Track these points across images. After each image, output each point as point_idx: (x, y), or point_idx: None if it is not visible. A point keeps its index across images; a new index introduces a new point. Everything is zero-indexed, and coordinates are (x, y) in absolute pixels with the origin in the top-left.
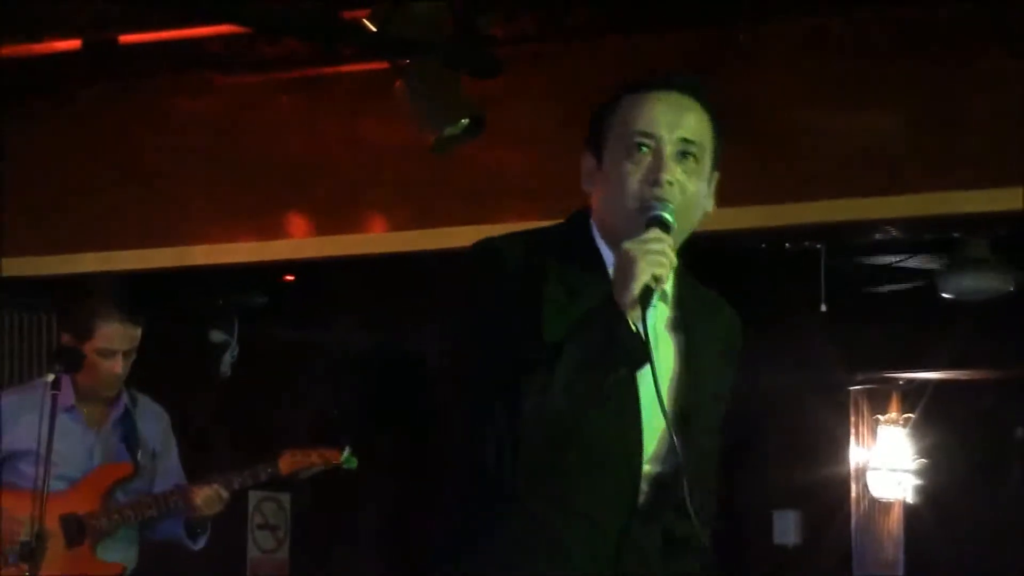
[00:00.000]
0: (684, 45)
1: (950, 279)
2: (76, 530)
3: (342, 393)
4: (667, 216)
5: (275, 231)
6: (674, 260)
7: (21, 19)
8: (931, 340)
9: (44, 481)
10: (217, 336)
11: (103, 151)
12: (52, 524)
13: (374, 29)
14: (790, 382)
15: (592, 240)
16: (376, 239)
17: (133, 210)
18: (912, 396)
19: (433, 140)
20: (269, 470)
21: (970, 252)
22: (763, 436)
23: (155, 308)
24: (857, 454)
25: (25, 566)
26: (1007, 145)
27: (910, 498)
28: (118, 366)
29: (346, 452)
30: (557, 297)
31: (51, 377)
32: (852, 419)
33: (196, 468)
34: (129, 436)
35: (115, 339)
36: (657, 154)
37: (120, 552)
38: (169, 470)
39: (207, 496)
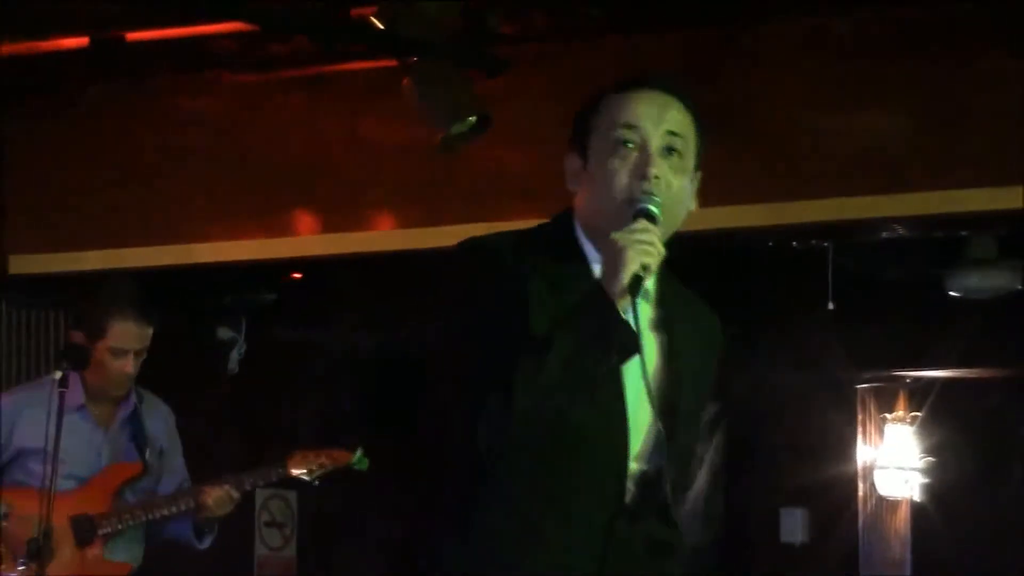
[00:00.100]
0: (684, 45)
1: (957, 277)
2: (87, 530)
3: (350, 391)
4: (654, 209)
5: (279, 229)
6: (662, 250)
7: (27, 17)
8: (938, 338)
9: (52, 479)
10: (225, 333)
11: (108, 149)
12: (62, 524)
13: (382, 27)
14: (797, 380)
15: (575, 238)
16: (381, 237)
17: (138, 207)
18: (919, 394)
19: (440, 138)
20: (279, 471)
21: (977, 250)
22: (770, 434)
23: (166, 307)
24: (864, 452)
25: (33, 565)
26: (1008, 144)
27: (917, 496)
28: (129, 365)
29: (358, 453)
30: (541, 293)
31: (58, 374)
32: (859, 417)
33: (202, 466)
34: (137, 435)
35: (128, 338)
36: (643, 150)
37: (127, 551)
38: (175, 469)
39: (218, 497)
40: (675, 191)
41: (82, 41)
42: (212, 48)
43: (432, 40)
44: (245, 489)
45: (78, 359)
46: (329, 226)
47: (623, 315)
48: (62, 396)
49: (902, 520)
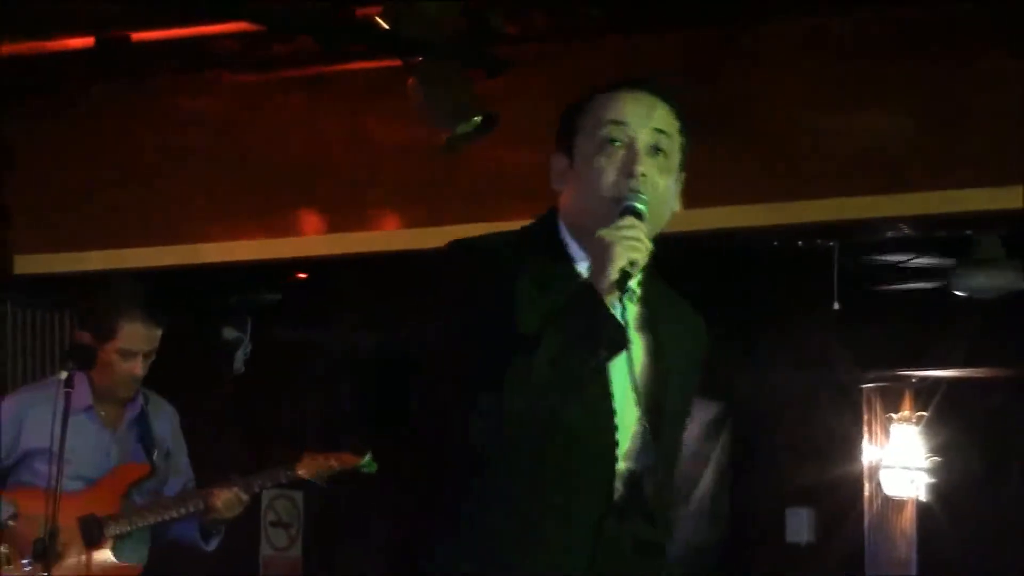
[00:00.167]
0: (684, 45)
1: (963, 277)
2: (95, 531)
3: (356, 391)
4: (640, 206)
5: (282, 229)
6: (649, 246)
7: (30, 17)
8: (944, 338)
9: (57, 480)
10: (230, 334)
11: (112, 149)
12: (70, 524)
13: (386, 27)
14: (803, 380)
15: (560, 237)
16: (383, 237)
17: (143, 208)
18: (925, 394)
19: (446, 138)
20: (289, 473)
21: (983, 250)
22: (776, 434)
23: (170, 307)
24: (870, 452)
25: (39, 565)
26: (1009, 144)
27: (923, 496)
28: (138, 367)
29: (367, 457)
30: (527, 293)
31: (64, 375)
32: (865, 417)
33: (208, 466)
34: (145, 436)
35: (137, 340)
36: (630, 148)
37: (134, 552)
38: (180, 469)
39: (227, 499)
40: (661, 190)
41: (86, 41)
42: (215, 48)
43: (436, 40)
44: (254, 491)
45: (83, 359)
46: (332, 226)
47: (611, 310)
48: (68, 396)
49: (908, 520)
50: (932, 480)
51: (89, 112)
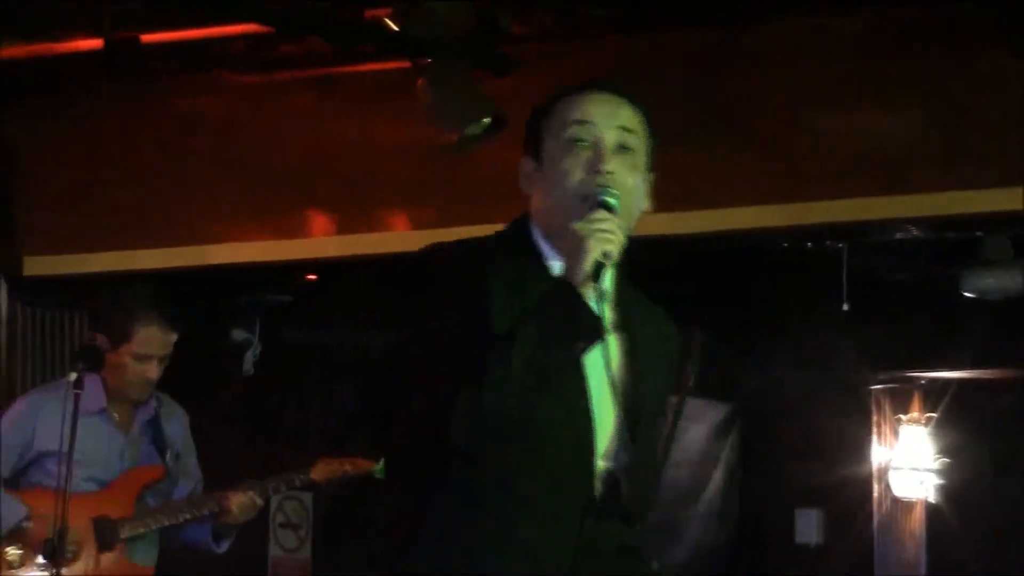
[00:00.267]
0: (684, 45)
1: (972, 278)
2: (109, 533)
3: (365, 392)
4: (611, 200)
5: (292, 230)
6: (622, 238)
7: (40, 18)
8: (953, 339)
9: (67, 480)
10: (239, 335)
11: (122, 150)
12: (84, 526)
13: (396, 28)
14: (812, 381)
15: (532, 239)
16: (393, 238)
17: (152, 209)
18: (934, 395)
19: (455, 139)
20: (304, 477)
21: (992, 251)
22: (785, 435)
23: (191, 312)
24: (879, 453)
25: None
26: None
27: (932, 497)
28: (153, 371)
29: (380, 463)
30: (502, 294)
31: (73, 376)
32: (874, 418)
33: (217, 467)
34: (157, 438)
35: (152, 344)
36: (596, 147)
37: (146, 554)
38: (190, 471)
39: (242, 503)
40: (630, 187)
41: (95, 42)
42: (223, 49)
43: (445, 41)
44: (269, 495)
45: (93, 361)
46: (341, 227)
47: (587, 301)
48: (77, 397)
49: (917, 521)
50: (941, 481)
51: (98, 113)
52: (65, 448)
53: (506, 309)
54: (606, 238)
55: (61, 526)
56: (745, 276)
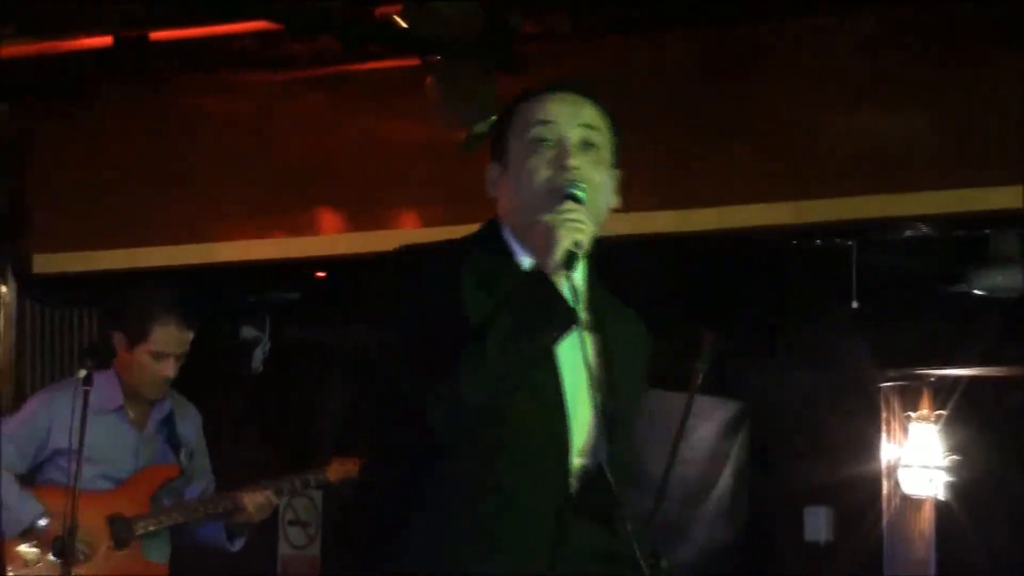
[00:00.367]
0: (684, 45)
1: (982, 276)
2: (124, 531)
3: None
4: (579, 193)
5: (302, 228)
6: (593, 228)
7: (51, 17)
8: (963, 337)
9: (76, 477)
10: (249, 332)
11: (131, 148)
12: (99, 524)
13: (405, 26)
14: (821, 378)
15: (502, 238)
16: (402, 236)
17: (162, 206)
18: (944, 393)
19: (464, 137)
20: (319, 477)
21: (1002, 249)
22: (794, 433)
23: (208, 311)
24: (888, 451)
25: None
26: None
27: (942, 495)
28: (169, 369)
29: None
30: (474, 288)
31: (83, 373)
32: (883, 416)
33: (226, 464)
34: (172, 437)
35: (170, 343)
36: (561, 145)
37: (160, 551)
38: (202, 470)
39: (258, 502)
40: (596, 183)
41: (105, 40)
42: (234, 48)
43: (453, 39)
44: (284, 495)
45: (101, 358)
46: (351, 225)
47: (559, 289)
48: (86, 395)
49: (926, 519)
50: (951, 479)
51: (108, 111)
52: (75, 445)
53: (479, 303)
54: (577, 227)
55: (71, 523)
56: (754, 274)
